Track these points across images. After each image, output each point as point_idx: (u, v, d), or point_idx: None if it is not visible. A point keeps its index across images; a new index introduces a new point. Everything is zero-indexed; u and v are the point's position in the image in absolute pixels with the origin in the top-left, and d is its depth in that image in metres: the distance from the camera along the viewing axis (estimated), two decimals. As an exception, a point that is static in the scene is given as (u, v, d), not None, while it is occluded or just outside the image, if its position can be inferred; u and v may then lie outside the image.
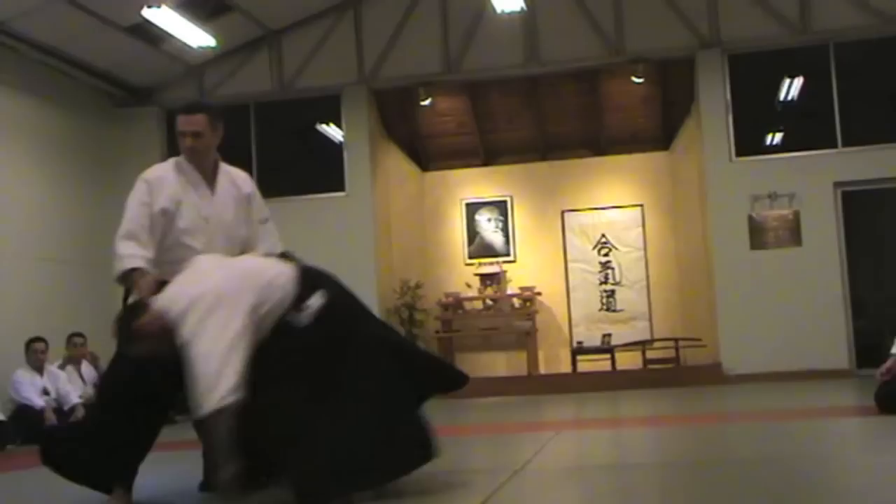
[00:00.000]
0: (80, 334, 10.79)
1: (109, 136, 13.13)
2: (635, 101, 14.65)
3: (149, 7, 10.64)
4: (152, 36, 11.93)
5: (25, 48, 11.30)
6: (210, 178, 4.86)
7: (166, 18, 10.98)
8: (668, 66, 13.75)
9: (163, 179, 4.74)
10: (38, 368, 10.04)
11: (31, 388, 9.81)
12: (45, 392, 9.94)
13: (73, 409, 9.97)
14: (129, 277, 4.55)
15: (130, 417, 4.43)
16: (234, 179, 5.00)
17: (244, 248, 4.91)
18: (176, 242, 4.66)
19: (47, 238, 11.75)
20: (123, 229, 4.64)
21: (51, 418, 9.62)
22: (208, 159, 4.86)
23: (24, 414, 9.61)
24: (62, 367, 10.53)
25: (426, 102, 13.79)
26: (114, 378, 4.65)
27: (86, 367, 10.78)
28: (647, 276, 15.16)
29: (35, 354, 10.01)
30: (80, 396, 10.30)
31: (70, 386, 10.25)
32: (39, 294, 11.41)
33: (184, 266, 4.44)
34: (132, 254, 4.57)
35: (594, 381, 13.10)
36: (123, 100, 13.40)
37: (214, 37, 11.94)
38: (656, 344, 14.41)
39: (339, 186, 13.39)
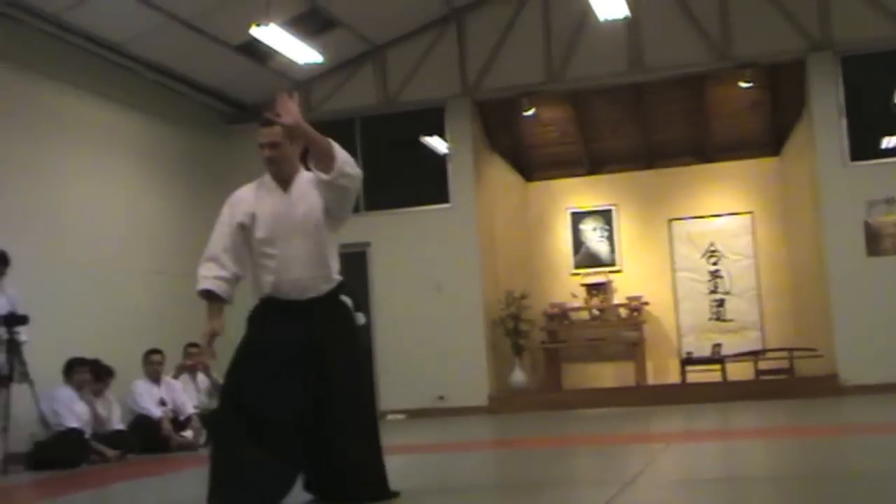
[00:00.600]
0: (194, 344, 11.06)
1: (219, 152, 13.46)
2: (743, 106, 14.37)
3: (258, 25, 10.88)
4: (261, 53, 12.20)
5: (140, 68, 11.68)
6: (287, 185, 4.90)
7: (274, 36, 11.21)
8: (777, 70, 13.45)
9: (241, 197, 4.92)
10: (156, 379, 10.33)
11: (149, 399, 10.11)
12: (162, 402, 10.22)
13: (188, 419, 10.24)
14: (207, 297, 4.77)
15: None
16: (314, 180, 4.94)
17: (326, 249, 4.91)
18: (260, 254, 4.76)
19: (161, 252, 12.11)
20: (206, 252, 4.84)
21: (167, 428, 9.89)
22: (286, 169, 4.90)
23: (142, 424, 9.91)
24: (176, 376, 10.82)
25: (529, 112, 13.77)
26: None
27: (201, 377, 11.06)
28: (758, 285, 14.83)
29: (152, 366, 10.31)
30: (196, 406, 10.57)
31: (185, 396, 10.53)
32: (154, 306, 11.75)
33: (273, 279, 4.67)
34: (206, 275, 4.77)
35: (704, 392, 12.87)
36: (233, 116, 13.73)
37: (321, 53, 12.15)
38: (769, 354, 14.08)
39: (444, 198, 13.46)
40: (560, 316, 14.63)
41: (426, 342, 12.96)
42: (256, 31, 11.01)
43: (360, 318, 4.94)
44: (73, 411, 8.96)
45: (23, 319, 8.23)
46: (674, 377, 14.41)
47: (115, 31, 10.83)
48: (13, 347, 8.16)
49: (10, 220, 9.58)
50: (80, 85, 10.89)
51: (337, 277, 4.94)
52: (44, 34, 10.24)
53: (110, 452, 8.99)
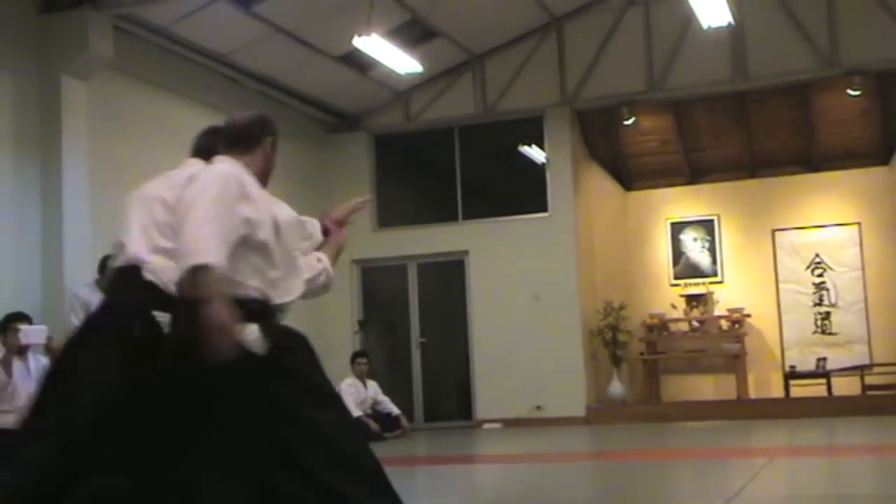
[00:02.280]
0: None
1: (321, 161, 13.67)
2: (851, 114, 13.98)
3: (359, 36, 11.02)
4: (362, 64, 12.35)
5: (244, 78, 11.93)
6: None
7: (375, 46, 11.33)
8: (887, 78, 13.06)
9: None
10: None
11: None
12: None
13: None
14: None
15: None
16: None
17: None
18: None
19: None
20: None
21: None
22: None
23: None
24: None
25: (629, 121, 13.65)
26: None
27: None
28: (866, 298, 14.39)
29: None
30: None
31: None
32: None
33: None
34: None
35: (808, 406, 12.55)
36: (334, 126, 13.93)
37: (420, 62, 12.25)
38: (876, 369, 13.65)
39: (542, 207, 13.42)
40: (659, 327, 14.44)
41: (523, 351, 12.93)
42: (358, 42, 11.14)
43: None
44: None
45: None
46: (776, 391, 14.08)
47: (221, 43, 11.09)
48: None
49: (119, 227, 9.86)
50: (186, 94, 11.18)
51: None
52: (153, 46, 10.54)
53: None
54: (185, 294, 3.11)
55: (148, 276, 3.35)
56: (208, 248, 3.14)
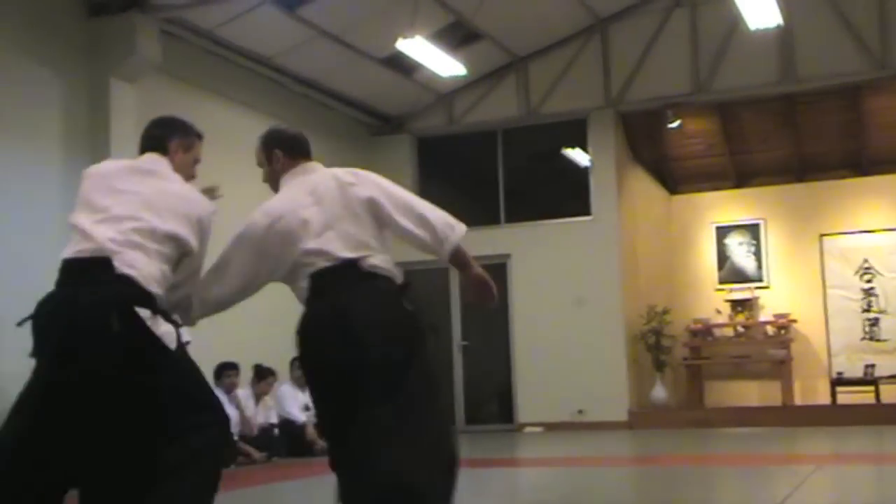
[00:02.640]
0: None
1: (365, 164, 13.54)
2: (902, 117, 13.77)
3: (403, 38, 11.03)
4: (405, 66, 12.37)
5: (288, 81, 11.99)
6: None
7: (419, 49, 11.34)
8: (939, 80, 12.85)
9: None
10: (302, 385, 10.55)
11: (294, 403, 10.34)
12: (307, 408, 10.44)
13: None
14: None
15: None
16: None
17: None
18: None
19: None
20: None
21: (312, 433, 10.09)
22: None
23: (286, 427, 10.14)
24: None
25: (674, 124, 13.53)
26: None
27: None
28: (916, 304, 14.16)
29: (299, 371, 10.58)
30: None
31: None
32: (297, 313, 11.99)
33: None
34: None
35: (856, 414, 12.37)
36: (378, 128, 13.96)
37: (464, 65, 12.23)
38: (926, 377, 13.43)
39: (585, 211, 13.34)
40: (703, 332, 14.31)
41: (565, 355, 12.86)
42: (402, 45, 11.16)
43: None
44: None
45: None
46: (823, 398, 13.89)
47: (265, 46, 11.16)
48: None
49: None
50: (231, 97, 11.26)
51: None
52: (199, 49, 10.63)
53: (257, 454, 9.24)
54: (461, 262, 3.83)
55: (123, 269, 3.32)
56: (458, 224, 3.81)
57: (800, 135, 14.40)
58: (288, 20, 10.68)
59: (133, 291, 3.31)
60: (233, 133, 11.32)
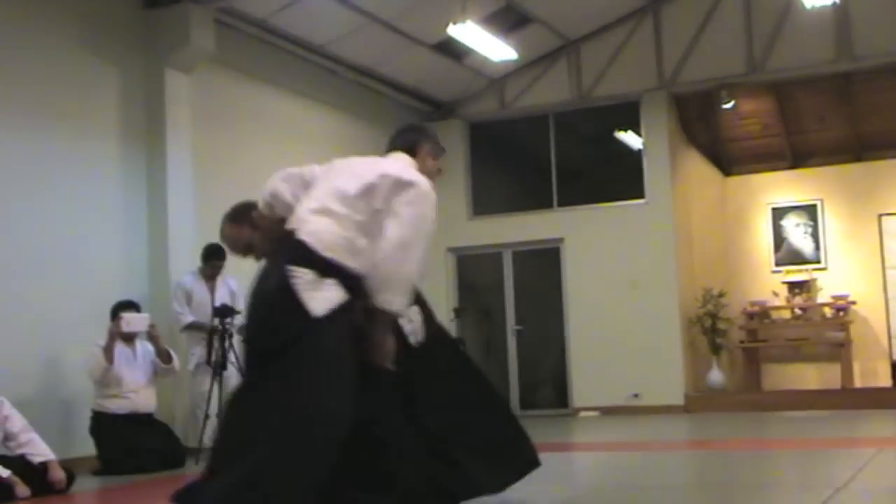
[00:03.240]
0: None
1: (417, 150, 13.71)
2: (962, 94, 13.48)
3: (454, 24, 11.02)
4: (457, 52, 12.36)
5: (341, 68, 12.04)
6: None
7: (470, 34, 11.32)
8: None
9: None
10: None
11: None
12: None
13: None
14: None
15: None
16: None
17: None
18: None
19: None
20: None
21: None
22: None
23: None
24: None
25: (729, 105, 13.35)
26: None
27: None
28: (978, 284, 13.89)
29: None
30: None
31: None
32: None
33: None
34: None
35: (917, 396, 12.18)
36: (429, 114, 13.97)
37: (515, 49, 12.19)
38: None
39: (639, 193, 13.25)
40: (760, 314, 14.16)
41: (620, 339, 12.81)
42: (453, 30, 11.15)
43: None
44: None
45: (230, 311, 8.63)
46: (883, 380, 13.70)
47: (318, 34, 11.21)
48: (226, 337, 8.57)
49: (222, 216, 10.06)
50: (284, 85, 11.34)
51: None
52: (253, 38, 10.71)
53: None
54: None
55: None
56: None
57: (857, 114, 14.16)
58: (340, 8, 10.71)
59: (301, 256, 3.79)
60: (286, 121, 11.43)
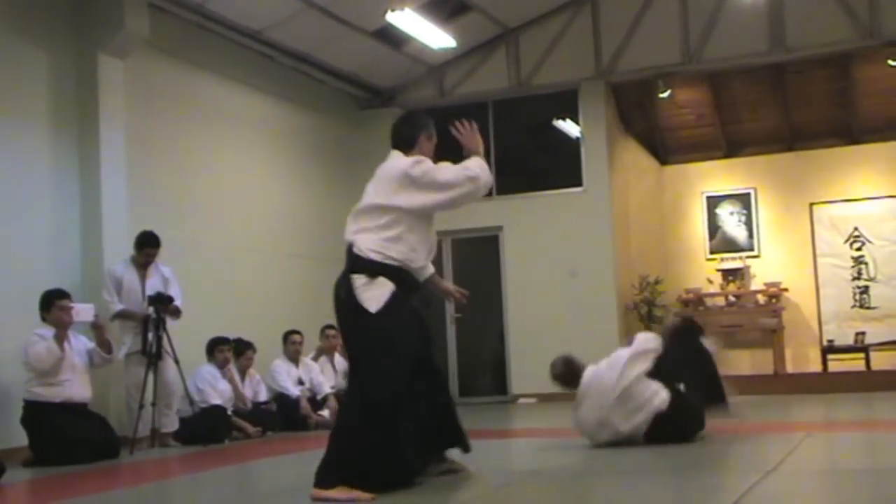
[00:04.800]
0: (332, 326, 11.29)
1: (355, 137, 13.67)
2: (891, 85, 13.78)
3: (393, 11, 10.98)
4: (395, 39, 12.32)
5: (278, 55, 11.94)
6: None
7: (409, 21, 11.30)
8: (928, 48, 12.85)
9: None
10: (295, 359, 10.59)
11: (288, 378, 10.37)
12: (300, 382, 10.48)
13: (325, 398, 10.47)
14: None
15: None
16: None
17: None
18: None
19: (299, 236, 12.39)
20: None
21: (306, 407, 10.14)
22: None
23: (281, 402, 10.18)
24: (315, 358, 11.06)
25: (665, 94, 13.52)
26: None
27: (338, 359, 11.29)
28: (905, 271, 14.25)
29: (293, 346, 10.58)
30: (333, 387, 10.79)
31: (323, 377, 10.76)
32: (291, 289, 12.04)
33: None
34: None
35: (847, 381, 12.46)
36: (367, 101, 13.92)
37: (454, 37, 12.19)
38: (916, 343, 13.53)
39: (577, 182, 13.35)
40: (695, 302, 14.36)
41: (558, 326, 12.90)
42: (391, 17, 11.12)
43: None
44: (216, 389, 9.27)
45: (167, 299, 8.54)
46: (814, 366, 13.99)
47: (255, 19, 11.10)
48: (160, 325, 8.48)
49: (156, 204, 9.96)
50: (221, 72, 11.22)
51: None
52: (189, 23, 10.58)
53: (251, 429, 9.28)
54: None
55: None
56: None
57: (790, 104, 14.42)
58: (277, -7, 10.62)
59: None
60: (223, 108, 11.31)
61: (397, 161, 5.07)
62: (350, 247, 4.89)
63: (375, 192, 4.98)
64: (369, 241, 4.84)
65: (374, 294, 4.77)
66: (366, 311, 4.75)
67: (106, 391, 8.75)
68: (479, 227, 13.58)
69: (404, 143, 5.20)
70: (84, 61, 9.19)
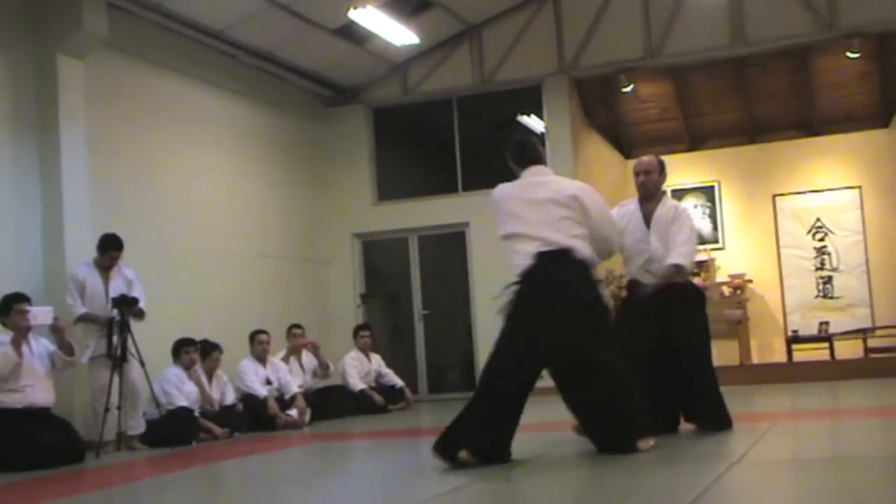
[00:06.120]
0: (298, 325, 11.27)
1: (319, 136, 13.63)
2: (850, 77, 13.94)
3: (355, 8, 10.95)
4: (358, 36, 12.29)
5: (241, 54, 11.87)
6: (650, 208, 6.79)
7: (371, 18, 11.28)
8: (885, 40, 12.99)
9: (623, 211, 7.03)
10: (262, 359, 10.55)
11: (255, 378, 10.32)
12: (268, 381, 10.44)
13: (293, 397, 10.43)
14: None
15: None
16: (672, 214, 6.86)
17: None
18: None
19: (265, 235, 12.33)
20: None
21: (273, 407, 10.09)
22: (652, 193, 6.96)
23: (248, 402, 10.13)
24: (286, 358, 11.01)
25: (628, 89, 13.58)
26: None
27: (306, 357, 11.26)
28: (867, 261, 14.42)
29: (260, 346, 10.53)
30: (300, 386, 10.76)
31: (290, 376, 10.72)
32: (259, 288, 11.99)
33: None
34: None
35: (811, 370, 12.59)
36: (332, 99, 13.88)
37: (417, 34, 12.17)
38: (879, 332, 13.69)
39: (542, 177, 13.33)
40: (661, 294, 14.42)
41: (526, 321, 12.90)
42: (354, 14, 11.09)
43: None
44: (182, 391, 9.20)
45: (132, 301, 8.47)
46: (779, 356, 14.12)
47: (216, 18, 11.02)
48: (125, 328, 8.41)
49: (119, 205, 9.88)
50: (183, 71, 11.14)
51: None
52: (149, 23, 10.49)
53: (219, 430, 9.22)
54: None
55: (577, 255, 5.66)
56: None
57: (751, 97, 14.54)
58: (238, -8, 10.56)
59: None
60: (186, 108, 11.23)
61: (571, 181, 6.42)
62: (570, 250, 5.67)
63: (565, 207, 5.78)
64: (586, 249, 5.72)
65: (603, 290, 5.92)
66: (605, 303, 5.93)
67: (70, 395, 8.66)
68: (446, 224, 13.59)
69: (535, 161, 6.23)
70: (42, 62, 9.08)
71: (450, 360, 14.01)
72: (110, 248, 8.60)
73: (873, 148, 14.48)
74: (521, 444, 5.68)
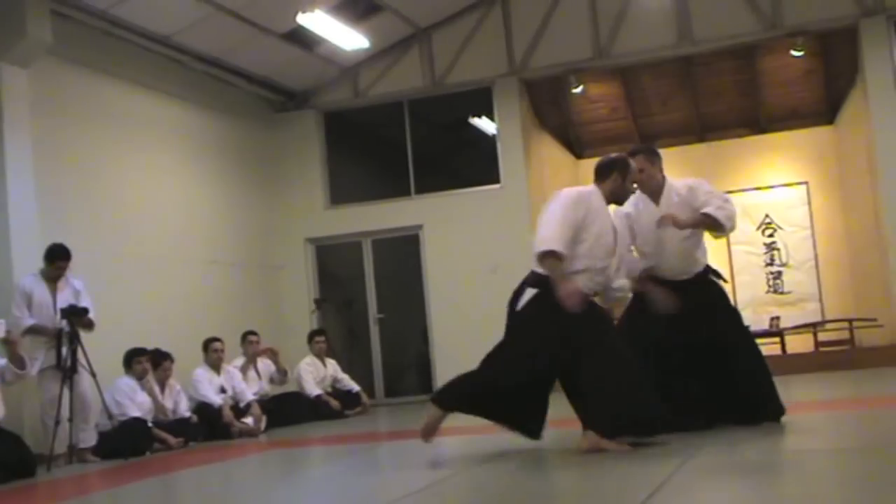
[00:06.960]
0: (254, 332, 11.20)
1: (270, 141, 13.56)
2: (795, 75, 14.15)
3: (303, 13, 10.91)
4: (307, 41, 12.25)
5: (189, 60, 11.78)
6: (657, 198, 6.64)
7: (320, 23, 11.24)
8: (829, 38, 13.19)
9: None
10: (216, 367, 10.46)
11: (210, 387, 10.23)
12: (223, 390, 10.35)
13: (248, 405, 10.35)
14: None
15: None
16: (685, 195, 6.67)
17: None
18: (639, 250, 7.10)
19: (216, 241, 12.24)
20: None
21: (228, 415, 10.02)
22: (652, 186, 6.69)
23: (203, 411, 10.04)
24: (246, 366, 10.92)
25: (578, 90, 13.67)
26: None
27: (262, 364, 11.18)
28: (816, 256, 14.63)
29: (215, 353, 10.44)
30: (255, 393, 10.69)
31: (245, 384, 10.64)
32: (212, 295, 11.90)
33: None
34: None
35: (763, 365, 12.72)
36: (282, 105, 13.82)
37: (366, 38, 12.16)
38: (828, 325, 13.90)
39: (495, 179, 13.42)
40: (614, 293, 14.51)
41: (481, 323, 12.90)
42: (302, 19, 11.05)
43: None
44: (135, 401, 9.10)
45: (82, 311, 8.37)
46: (732, 351, 14.25)
47: (163, 24, 10.94)
48: (74, 339, 8.30)
49: (66, 214, 9.76)
50: (130, 78, 11.03)
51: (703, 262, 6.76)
52: (93, 30, 10.37)
53: (173, 440, 9.13)
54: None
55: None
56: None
57: (698, 96, 14.69)
58: (184, -3, 10.47)
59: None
60: (134, 115, 11.11)
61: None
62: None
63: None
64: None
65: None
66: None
67: (20, 408, 8.53)
68: (400, 227, 13.58)
69: (597, 180, 6.35)
70: (-14, 71, 8.94)
71: (406, 364, 14.01)
72: (58, 258, 8.49)
73: (819, 144, 14.70)
74: (509, 443, 5.69)
